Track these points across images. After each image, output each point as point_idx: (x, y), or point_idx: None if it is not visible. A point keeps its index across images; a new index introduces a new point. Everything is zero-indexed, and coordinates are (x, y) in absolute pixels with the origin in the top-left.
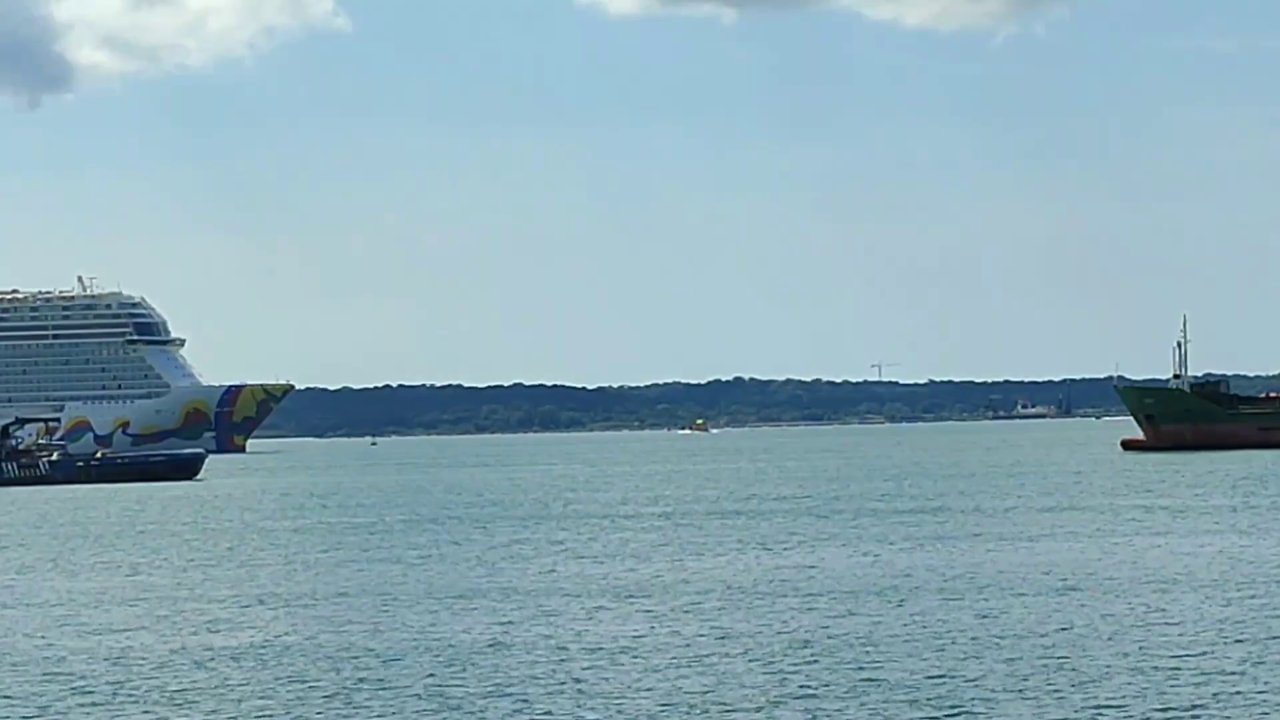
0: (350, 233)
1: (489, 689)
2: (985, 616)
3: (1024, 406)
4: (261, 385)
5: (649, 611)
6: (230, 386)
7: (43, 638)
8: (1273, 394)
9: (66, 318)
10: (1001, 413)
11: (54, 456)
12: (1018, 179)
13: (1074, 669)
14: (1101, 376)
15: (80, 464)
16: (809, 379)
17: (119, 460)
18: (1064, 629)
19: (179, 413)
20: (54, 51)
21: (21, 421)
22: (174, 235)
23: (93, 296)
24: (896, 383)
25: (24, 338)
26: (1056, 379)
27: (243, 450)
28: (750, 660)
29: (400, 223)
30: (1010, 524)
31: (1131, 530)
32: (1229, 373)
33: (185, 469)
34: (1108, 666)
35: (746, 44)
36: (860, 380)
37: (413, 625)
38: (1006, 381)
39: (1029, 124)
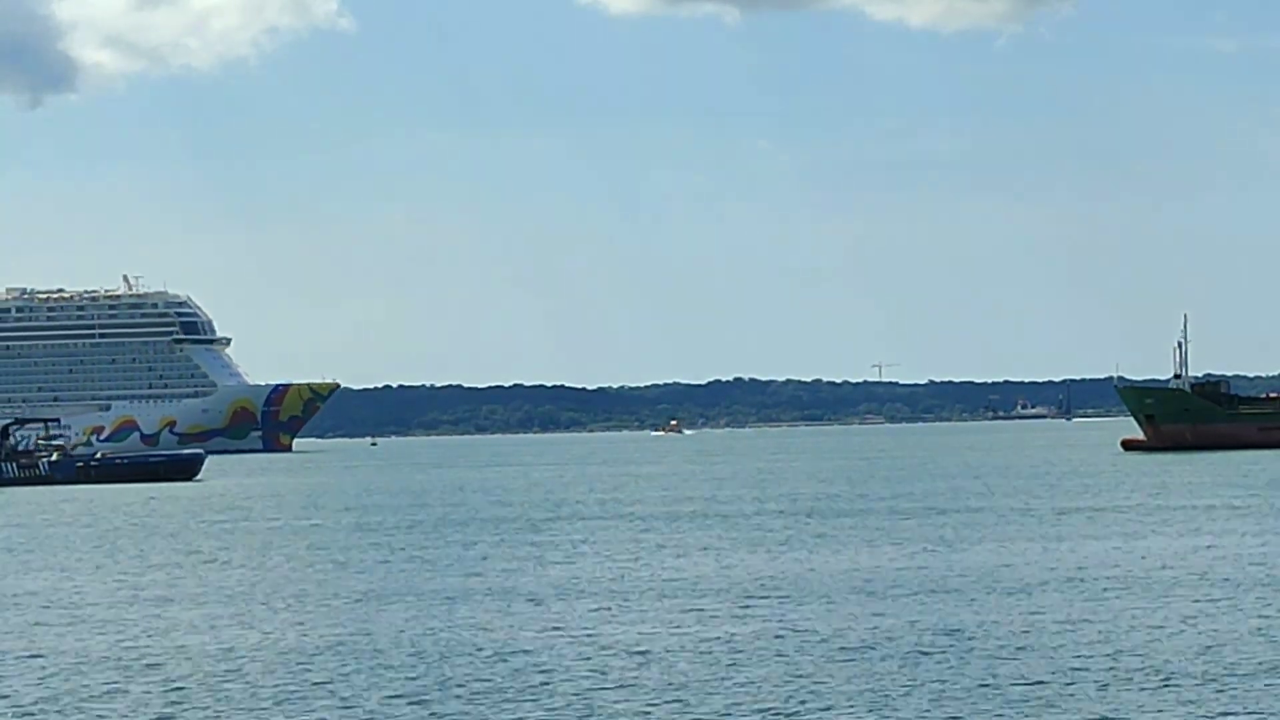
0: (350, 232)
1: (543, 691)
2: (1031, 614)
3: (1024, 407)
4: (308, 384)
5: (695, 611)
6: (277, 386)
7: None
8: (1273, 394)
9: (113, 317)
10: (1001, 413)
11: (54, 457)
12: (1019, 179)
13: (1111, 670)
14: (1102, 377)
15: (80, 464)
16: (809, 379)
17: (119, 461)
18: (1105, 631)
19: (226, 412)
20: (57, 51)
21: (21, 422)
22: (175, 236)
23: (139, 296)
24: (896, 383)
25: (70, 337)
26: (1057, 379)
27: (289, 450)
28: (785, 661)
29: (400, 222)
30: (1032, 526)
31: (1153, 531)
32: (1229, 373)
33: (184, 469)
34: (1145, 668)
35: (749, 44)
36: (860, 380)
37: (457, 625)
38: (1006, 382)
39: (1031, 125)
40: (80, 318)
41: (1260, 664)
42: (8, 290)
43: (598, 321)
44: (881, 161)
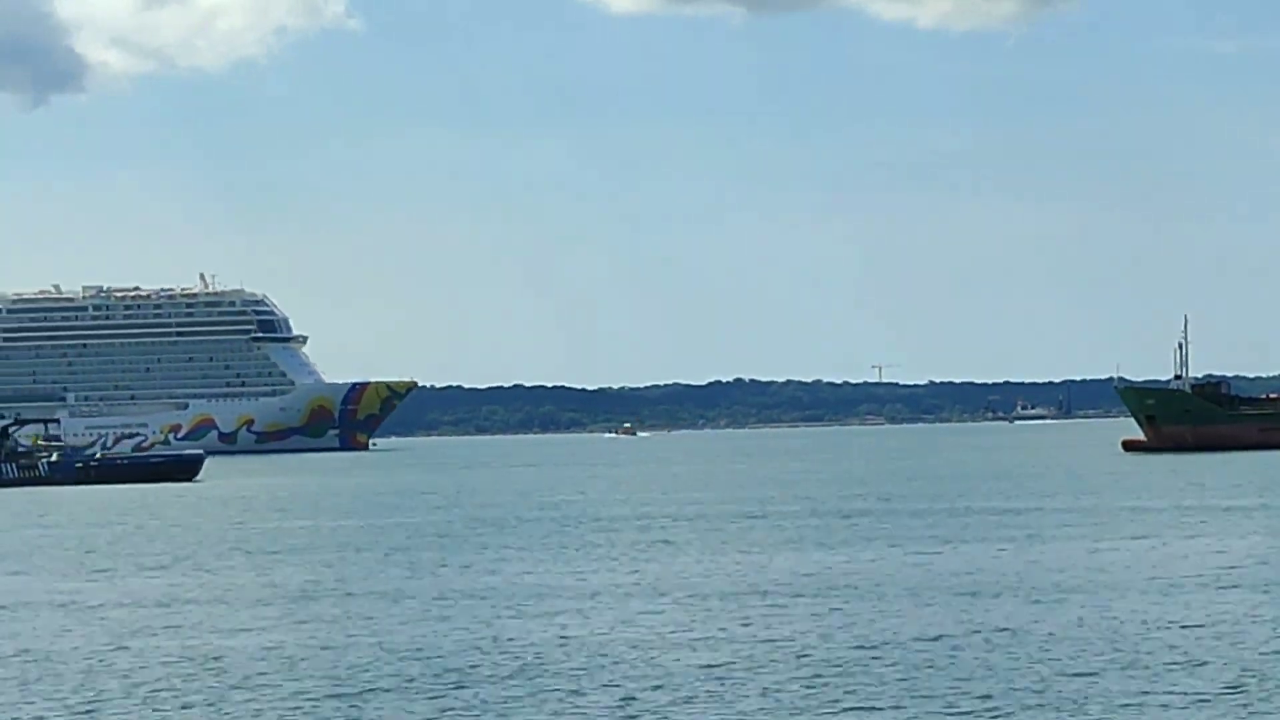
0: (353, 233)
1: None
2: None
3: (1024, 408)
4: (385, 383)
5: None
6: (355, 384)
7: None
8: (1273, 395)
9: (190, 315)
10: (1001, 414)
11: (53, 457)
12: (1020, 180)
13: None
14: (1102, 377)
15: (80, 465)
16: (809, 380)
17: (119, 461)
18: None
19: (304, 410)
20: (63, 51)
21: (21, 422)
22: (179, 236)
23: (216, 294)
24: (897, 384)
25: (148, 335)
26: (1057, 380)
27: (366, 448)
28: (789, 663)
29: (401, 222)
30: (1048, 526)
31: (1166, 531)
32: (1230, 374)
33: (185, 470)
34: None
35: (754, 44)
36: (860, 381)
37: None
38: (1006, 383)
39: (1033, 125)
40: (158, 316)
41: None
42: (84, 288)
43: (598, 322)
44: (886, 162)
